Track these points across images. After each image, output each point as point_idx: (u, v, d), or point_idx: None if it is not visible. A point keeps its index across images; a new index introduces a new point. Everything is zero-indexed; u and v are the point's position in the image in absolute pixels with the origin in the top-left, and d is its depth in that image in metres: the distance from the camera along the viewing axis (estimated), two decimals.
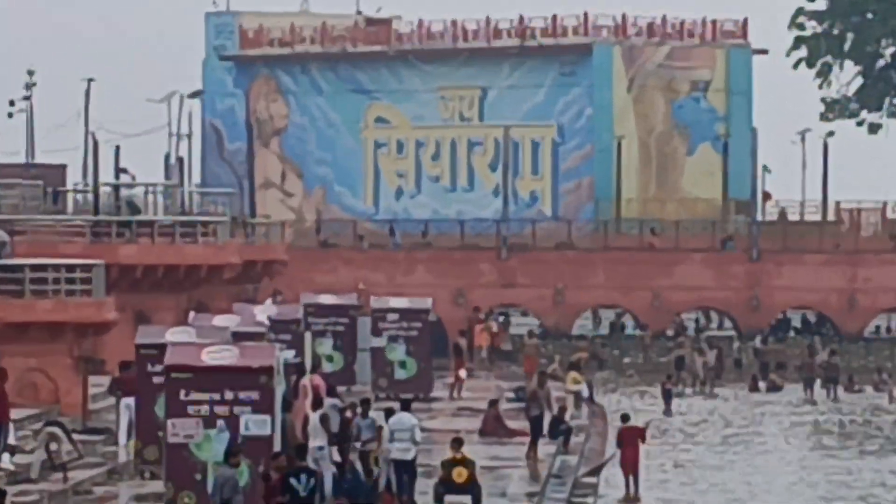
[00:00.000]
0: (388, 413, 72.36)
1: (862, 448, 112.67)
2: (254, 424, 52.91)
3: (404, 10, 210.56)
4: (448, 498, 64.88)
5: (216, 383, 51.67)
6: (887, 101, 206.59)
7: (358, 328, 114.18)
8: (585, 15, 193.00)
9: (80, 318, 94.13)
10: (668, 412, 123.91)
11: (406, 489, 64.97)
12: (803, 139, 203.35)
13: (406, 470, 66.25)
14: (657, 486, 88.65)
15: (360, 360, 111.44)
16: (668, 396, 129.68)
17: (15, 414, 69.56)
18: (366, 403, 72.05)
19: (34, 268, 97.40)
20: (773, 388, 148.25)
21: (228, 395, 51.42)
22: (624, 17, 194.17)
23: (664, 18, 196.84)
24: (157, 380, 61.43)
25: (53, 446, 68.21)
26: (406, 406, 73.49)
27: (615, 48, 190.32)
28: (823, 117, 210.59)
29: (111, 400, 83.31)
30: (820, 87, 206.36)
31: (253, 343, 66.91)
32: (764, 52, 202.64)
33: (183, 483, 50.84)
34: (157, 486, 58.92)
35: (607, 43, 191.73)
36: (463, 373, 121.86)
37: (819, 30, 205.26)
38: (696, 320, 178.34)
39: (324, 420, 66.18)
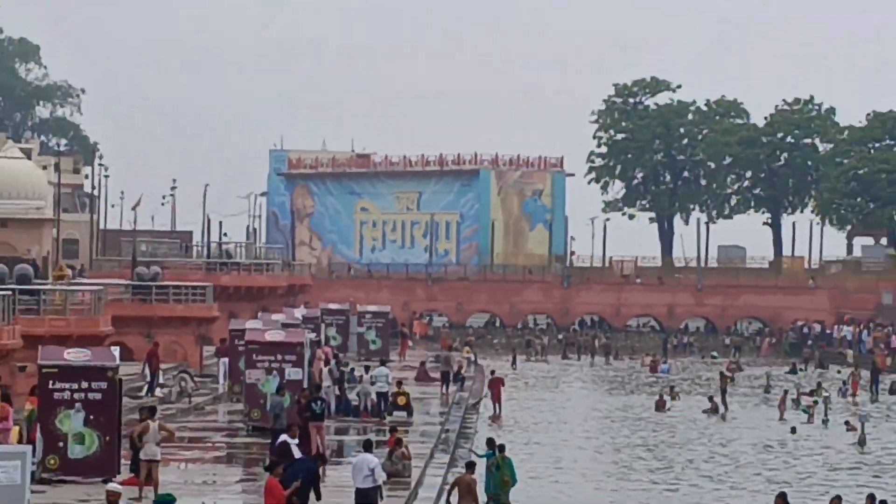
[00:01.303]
0: (370, 367, 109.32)
1: (623, 390, 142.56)
2: (292, 373, 79.13)
3: (378, 147, 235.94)
4: (395, 413, 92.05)
5: (272, 350, 79.54)
6: (638, 203, 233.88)
7: (350, 322, 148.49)
8: (476, 154, 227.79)
9: (199, 314, 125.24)
10: (514, 368, 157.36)
11: (384, 410, 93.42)
12: (592, 222, 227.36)
13: (383, 398, 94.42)
14: (510, 411, 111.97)
15: (350, 340, 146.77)
16: (514, 361, 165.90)
17: (163, 366, 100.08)
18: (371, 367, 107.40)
19: (175, 287, 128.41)
20: (577, 356, 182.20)
21: (279, 357, 78.14)
22: (497, 155, 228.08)
23: (518, 156, 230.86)
24: (240, 349, 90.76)
25: (183, 384, 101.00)
26: (384, 363, 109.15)
27: (491, 172, 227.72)
28: (604, 210, 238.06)
29: (215, 360, 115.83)
30: (602, 193, 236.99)
31: (292, 329, 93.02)
32: (572, 174, 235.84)
33: (253, 405, 78.48)
34: (240, 406, 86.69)
35: (487, 169, 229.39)
36: (407, 346, 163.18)
37: (602, 162, 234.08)
38: (534, 320, 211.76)
39: (331, 372, 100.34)
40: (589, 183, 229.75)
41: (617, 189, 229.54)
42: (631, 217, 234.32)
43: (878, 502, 54.24)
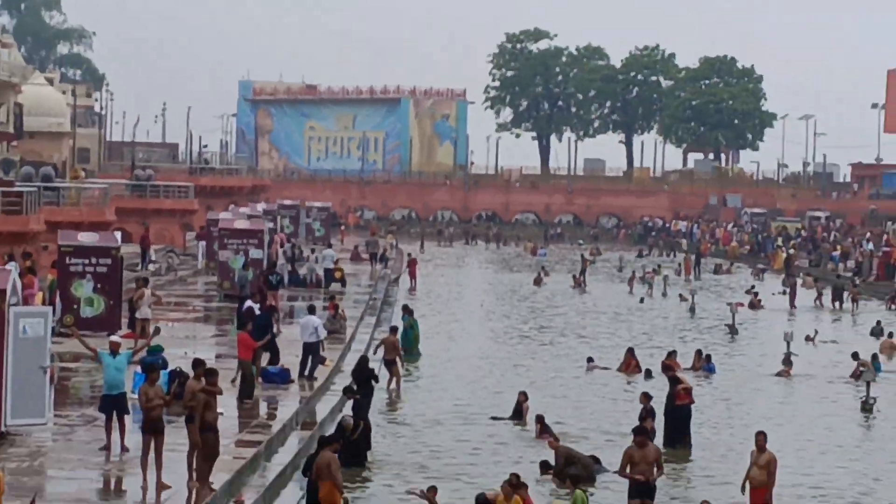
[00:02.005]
0: (315, 250, 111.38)
1: (509, 269, 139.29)
2: (255, 253, 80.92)
3: (324, 79, 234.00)
4: (333, 284, 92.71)
5: (239, 235, 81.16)
6: (523, 125, 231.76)
7: (300, 215, 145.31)
8: (398, 86, 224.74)
9: (182, 207, 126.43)
10: (422, 251, 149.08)
11: (329, 282, 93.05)
12: (488, 140, 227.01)
13: (328, 273, 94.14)
14: (423, 284, 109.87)
15: (300, 229, 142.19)
16: (422, 245, 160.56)
17: (154, 247, 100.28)
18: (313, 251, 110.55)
19: (164, 186, 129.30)
20: (475, 243, 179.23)
21: (245, 240, 79.47)
22: (414, 87, 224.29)
23: (430, 88, 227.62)
24: (215, 234, 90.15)
25: (170, 261, 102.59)
26: (330, 246, 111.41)
27: (410, 100, 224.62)
28: (496, 130, 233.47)
29: (195, 242, 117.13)
30: (495, 117, 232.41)
31: (255, 219, 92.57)
32: (472, 102, 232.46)
33: (224, 277, 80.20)
34: (214, 279, 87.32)
35: (407, 98, 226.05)
36: (344, 234, 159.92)
37: (495, 94, 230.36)
38: (442, 215, 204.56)
39: (284, 253, 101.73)
40: (485, 109, 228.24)
41: (507, 114, 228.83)
42: (517, 136, 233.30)
43: (703, 356, 57.48)
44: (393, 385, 53.24)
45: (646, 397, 41.64)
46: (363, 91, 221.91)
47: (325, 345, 53.01)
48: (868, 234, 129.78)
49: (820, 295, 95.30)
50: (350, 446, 34.85)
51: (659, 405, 41.87)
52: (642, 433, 32.99)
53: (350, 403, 41.69)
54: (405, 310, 68.18)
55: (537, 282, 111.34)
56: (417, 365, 59.22)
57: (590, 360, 59.44)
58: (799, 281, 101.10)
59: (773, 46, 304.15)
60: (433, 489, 32.07)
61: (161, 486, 30.92)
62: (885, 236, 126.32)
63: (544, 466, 36.83)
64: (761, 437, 32.41)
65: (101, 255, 58.26)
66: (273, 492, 34.05)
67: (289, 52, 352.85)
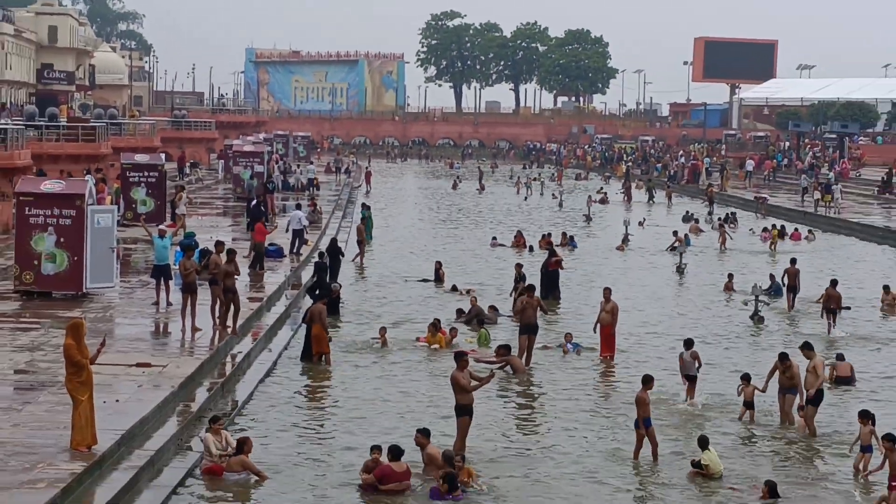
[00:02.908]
0: (300, 165, 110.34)
1: (435, 177, 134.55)
2: (258, 168, 76.61)
3: (305, 45, 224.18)
4: (312, 190, 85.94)
5: (247, 155, 77.58)
6: (444, 78, 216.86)
7: (289, 141, 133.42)
8: (356, 51, 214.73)
9: (207, 136, 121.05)
10: (370, 166, 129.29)
11: (309, 187, 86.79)
12: (418, 88, 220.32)
13: (310, 182, 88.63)
14: (375, 189, 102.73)
15: (289, 151, 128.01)
16: (369, 161, 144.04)
17: (188, 164, 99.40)
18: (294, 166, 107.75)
19: (195, 122, 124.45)
20: (411, 160, 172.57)
21: (251, 159, 75.96)
22: (368, 51, 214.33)
23: (379, 52, 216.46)
24: (230, 155, 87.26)
25: (198, 173, 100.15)
26: (310, 162, 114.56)
27: (365, 61, 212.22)
28: (425, 82, 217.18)
29: (217, 161, 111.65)
30: (424, 73, 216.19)
31: (258, 144, 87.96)
32: (408, 62, 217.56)
33: (237, 185, 75.80)
34: (230, 186, 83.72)
35: (363, 59, 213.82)
36: (319, 154, 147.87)
37: (424, 56, 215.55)
38: (389, 141, 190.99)
39: (279, 167, 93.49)
40: (417, 67, 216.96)
41: (431, 71, 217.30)
42: (439, 86, 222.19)
43: (568, 236, 56.68)
44: (357, 260, 52.32)
45: (518, 267, 41.57)
46: (332, 55, 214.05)
47: (307, 231, 52.92)
48: (681, 152, 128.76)
49: (650, 193, 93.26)
50: (331, 302, 35.82)
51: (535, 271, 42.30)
52: (531, 290, 33.56)
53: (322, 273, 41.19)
54: (363, 206, 65.12)
55: (454, 186, 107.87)
56: (371, 246, 56.73)
57: (494, 238, 58.66)
58: (633, 184, 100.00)
59: (618, 20, 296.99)
60: (383, 329, 34.29)
61: (195, 329, 31.87)
62: (692, 153, 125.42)
63: (458, 313, 37.49)
64: (607, 291, 33.30)
65: (150, 170, 57.26)
66: (272, 332, 35.50)
67: (281, 24, 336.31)
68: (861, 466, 22.30)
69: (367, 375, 30.71)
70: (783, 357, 25.70)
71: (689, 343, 28.02)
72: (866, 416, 22.59)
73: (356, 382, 29.90)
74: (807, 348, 26.29)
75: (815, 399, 25.35)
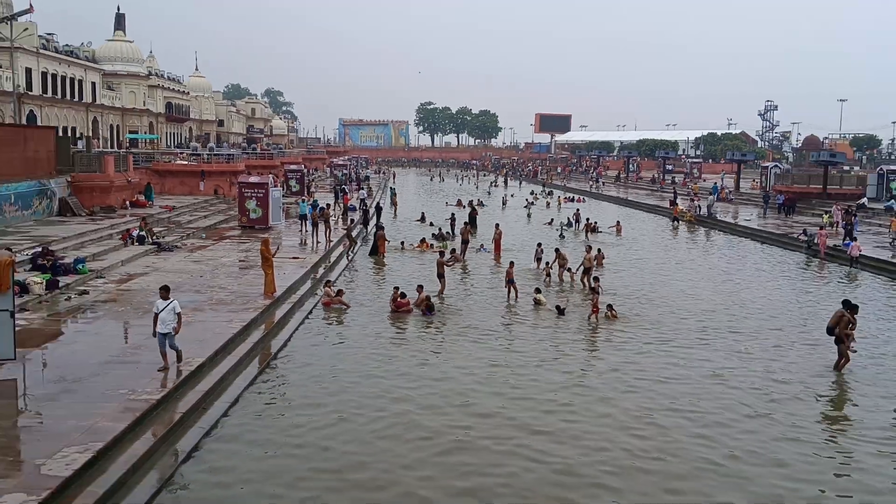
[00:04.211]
0: (363, 171, 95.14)
1: (428, 178, 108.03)
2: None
3: (364, 115, 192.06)
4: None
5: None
6: (426, 131, 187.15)
7: (359, 160, 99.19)
8: (387, 119, 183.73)
9: (321, 157, 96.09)
10: (393, 180, 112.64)
11: (368, 180, 71.97)
12: (416, 136, 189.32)
13: (367, 177, 71.48)
14: (398, 182, 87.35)
15: (358, 165, 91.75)
16: (394, 173, 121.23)
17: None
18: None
19: (317, 150, 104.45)
20: (416, 168, 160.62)
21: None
22: (392, 119, 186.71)
23: (396, 119, 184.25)
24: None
25: (316, 173, 75.57)
26: (367, 168, 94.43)
27: (391, 124, 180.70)
28: (420, 132, 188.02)
29: (327, 169, 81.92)
30: (419, 130, 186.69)
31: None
32: (410, 124, 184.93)
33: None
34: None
35: (391, 124, 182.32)
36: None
37: (418, 121, 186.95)
38: (402, 159, 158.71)
39: (355, 172, 78.48)
40: (414, 125, 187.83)
41: (420, 128, 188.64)
42: (424, 134, 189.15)
43: (479, 200, 53.72)
44: (393, 210, 48.10)
45: (472, 205, 40.99)
46: (376, 121, 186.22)
47: (365, 201, 49.69)
48: (530, 164, 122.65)
49: (518, 182, 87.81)
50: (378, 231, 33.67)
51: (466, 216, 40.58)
52: (467, 224, 33.21)
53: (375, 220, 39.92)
54: (391, 189, 60.19)
55: (431, 179, 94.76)
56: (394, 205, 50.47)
57: (459, 202, 53.95)
58: (508, 178, 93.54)
59: (503, 104, 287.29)
60: (402, 243, 32.12)
61: (317, 243, 31.00)
62: (533, 165, 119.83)
63: (436, 236, 36.06)
64: (497, 225, 32.84)
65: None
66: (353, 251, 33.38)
67: (355, 102, 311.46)
68: None
69: (401, 260, 29.76)
70: (588, 249, 25.30)
71: (539, 244, 27.47)
72: None
73: (394, 263, 29.08)
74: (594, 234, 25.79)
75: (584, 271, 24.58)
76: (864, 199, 44.20)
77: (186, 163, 48.39)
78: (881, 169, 50.05)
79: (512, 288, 22.34)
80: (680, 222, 45.43)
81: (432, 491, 10.10)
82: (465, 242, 31.02)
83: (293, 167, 56.66)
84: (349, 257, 29.27)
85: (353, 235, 31.60)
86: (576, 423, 12.54)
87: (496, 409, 13.00)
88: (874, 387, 14.75)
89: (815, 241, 32.29)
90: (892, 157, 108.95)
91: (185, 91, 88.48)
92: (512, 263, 23.56)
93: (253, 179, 36.20)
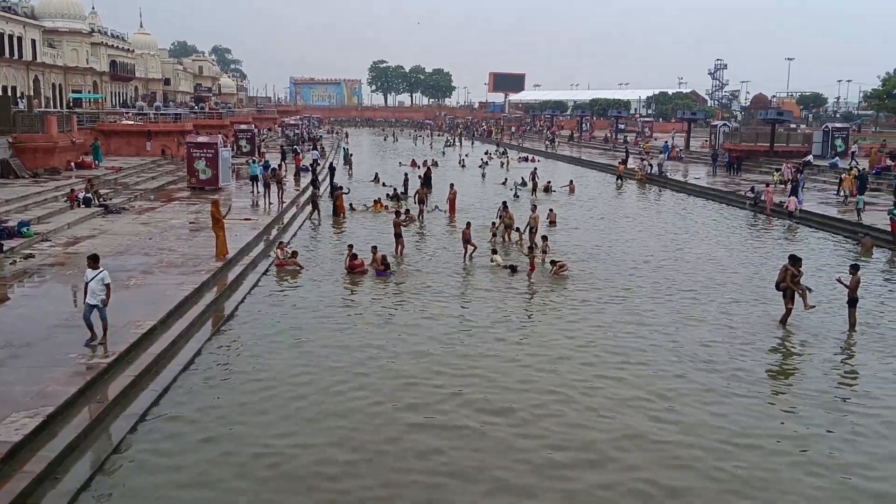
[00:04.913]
0: (315, 131, 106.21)
1: (382, 138, 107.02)
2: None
3: (315, 74, 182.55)
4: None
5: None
6: (379, 90, 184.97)
7: (311, 120, 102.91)
8: (339, 78, 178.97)
9: (272, 117, 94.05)
10: (346, 139, 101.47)
11: (320, 140, 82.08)
12: (368, 95, 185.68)
13: (319, 137, 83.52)
14: (351, 142, 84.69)
15: (310, 124, 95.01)
16: (347, 132, 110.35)
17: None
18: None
19: (268, 110, 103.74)
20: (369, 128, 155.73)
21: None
22: (345, 78, 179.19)
23: (349, 78, 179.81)
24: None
25: (268, 133, 75.56)
26: (320, 128, 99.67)
27: (344, 83, 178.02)
28: (372, 91, 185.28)
29: (278, 129, 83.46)
30: (371, 88, 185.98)
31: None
32: (363, 82, 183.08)
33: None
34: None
35: (343, 82, 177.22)
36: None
37: (370, 80, 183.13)
38: (355, 119, 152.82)
39: (307, 132, 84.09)
40: (367, 84, 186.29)
41: (373, 87, 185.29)
42: (377, 94, 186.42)
43: (434, 161, 53.03)
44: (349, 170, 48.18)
45: (426, 166, 41.02)
46: (328, 79, 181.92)
47: (318, 161, 48.46)
48: (484, 124, 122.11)
49: (471, 141, 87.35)
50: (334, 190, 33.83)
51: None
52: (423, 185, 33.20)
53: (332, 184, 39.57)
54: (345, 149, 59.77)
55: (385, 139, 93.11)
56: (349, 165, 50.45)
57: (413, 162, 54.02)
58: (463, 137, 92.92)
59: (457, 62, 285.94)
60: (349, 204, 31.84)
61: (269, 204, 30.74)
62: (487, 124, 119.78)
63: (390, 196, 35.67)
64: (451, 185, 32.93)
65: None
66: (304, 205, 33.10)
67: (306, 61, 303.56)
68: None
69: (358, 221, 29.62)
70: (533, 209, 25.30)
71: (504, 204, 27.34)
72: None
73: (350, 224, 28.99)
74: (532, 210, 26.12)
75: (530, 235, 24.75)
76: (810, 157, 45.07)
77: (133, 123, 47.55)
78: (826, 127, 51.34)
79: (468, 247, 22.42)
80: (623, 181, 45.75)
81: (393, 458, 9.81)
82: (421, 203, 30.98)
83: (243, 127, 55.77)
84: (315, 224, 28.85)
85: (316, 200, 31.29)
86: (535, 383, 12.43)
87: (452, 370, 12.92)
88: (817, 338, 15.08)
89: (762, 198, 32.90)
90: (837, 116, 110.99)
91: (130, 49, 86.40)
92: (469, 224, 23.60)
93: (202, 139, 35.62)
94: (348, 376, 12.49)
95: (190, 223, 25.16)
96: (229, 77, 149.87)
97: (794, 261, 15.96)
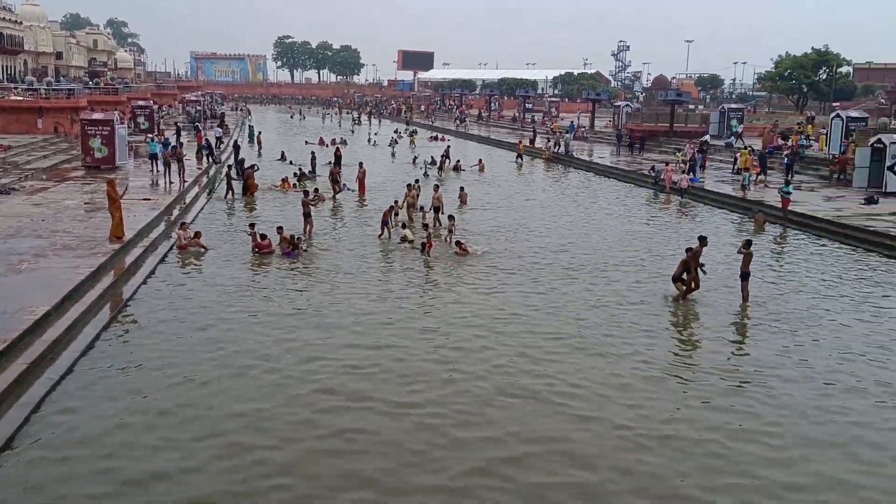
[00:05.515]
0: (218, 108, 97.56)
1: (288, 115, 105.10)
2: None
3: (218, 49, 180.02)
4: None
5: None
6: (284, 66, 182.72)
7: (213, 96, 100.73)
8: (243, 53, 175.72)
9: (172, 93, 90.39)
10: (249, 116, 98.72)
11: (223, 117, 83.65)
12: (274, 71, 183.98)
13: (223, 114, 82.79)
14: (255, 119, 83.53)
15: (213, 101, 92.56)
16: (250, 109, 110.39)
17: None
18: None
19: (168, 86, 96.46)
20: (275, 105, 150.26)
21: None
22: (249, 53, 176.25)
23: (252, 53, 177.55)
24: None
25: (168, 111, 73.48)
26: (223, 104, 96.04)
27: (248, 58, 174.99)
28: (278, 68, 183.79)
29: (179, 105, 79.80)
30: (276, 64, 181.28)
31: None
32: (267, 58, 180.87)
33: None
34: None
35: (247, 58, 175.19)
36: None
37: (276, 56, 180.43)
38: (260, 96, 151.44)
39: (209, 108, 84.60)
40: (273, 61, 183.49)
41: (279, 63, 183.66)
42: (282, 70, 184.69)
43: (341, 139, 53.48)
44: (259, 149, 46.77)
45: (335, 145, 40.25)
46: (232, 54, 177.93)
47: (221, 139, 48.41)
48: (394, 102, 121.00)
49: (379, 120, 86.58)
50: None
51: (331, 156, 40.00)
52: (337, 161, 32.52)
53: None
54: (250, 126, 58.58)
55: (292, 117, 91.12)
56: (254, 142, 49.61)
57: (321, 140, 53.79)
58: (372, 115, 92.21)
59: (368, 39, 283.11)
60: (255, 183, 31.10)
61: (170, 183, 30.10)
62: (396, 103, 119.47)
63: (297, 175, 35.15)
64: (360, 163, 32.67)
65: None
66: (210, 184, 32.59)
67: (207, 35, 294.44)
68: None
69: (267, 198, 29.38)
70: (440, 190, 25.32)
71: (410, 185, 26.83)
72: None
73: (257, 203, 28.56)
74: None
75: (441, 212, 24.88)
76: (707, 137, 46.65)
77: (22, 98, 45.71)
78: (722, 107, 53.22)
79: (386, 229, 22.38)
80: (523, 160, 46.16)
81: (309, 440, 9.68)
82: (335, 182, 30.57)
83: (141, 103, 53.63)
84: (228, 203, 28.34)
85: (230, 179, 30.61)
86: (438, 362, 12.38)
87: (359, 349, 12.83)
88: (712, 310, 15.55)
89: (662, 176, 34.02)
90: (733, 97, 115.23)
91: (18, 20, 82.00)
92: (392, 207, 23.52)
93: (97, 116, 34.52)
94: (255, 359, 12.21)
95: (85, 204, 24.31)
96: (126, 51, 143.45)
97: (702, 241, 16.51)
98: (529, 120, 77.08)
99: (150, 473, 8.81)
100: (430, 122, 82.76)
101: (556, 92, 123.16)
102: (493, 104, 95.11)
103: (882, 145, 30.01)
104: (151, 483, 8.62)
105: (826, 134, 39.12)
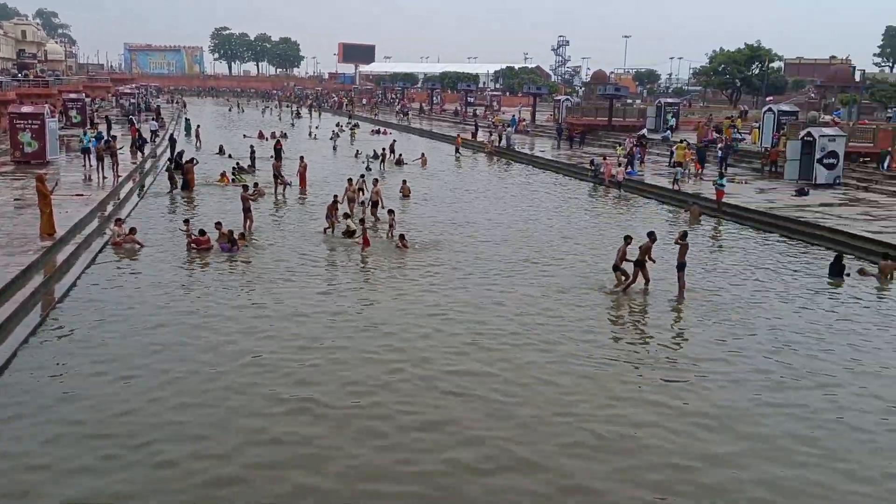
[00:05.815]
0: (153, 101, 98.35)
1: (225, 108, 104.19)
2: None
3: (153, 40, 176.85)
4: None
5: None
6: (222, 58, 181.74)
7: (148, 89, 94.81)
8: (180, 45, 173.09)
9: (105, 86, 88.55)
10: (185, 109, 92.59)
11: (158, 110, 78.27)
12: (211, 63, 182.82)
13: (158, 107, 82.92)
14: (191, 112, 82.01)
15: (147, 94, 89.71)
16: (185, 102, 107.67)
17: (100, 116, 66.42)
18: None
19: (101, 78, 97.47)
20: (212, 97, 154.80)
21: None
22: (185, 45, 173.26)
23: (191, 45, 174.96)
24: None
25: (101, 103, 70.73)
26: (158, 98, 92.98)
27: (184, 50, 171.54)
28: (216, 60, 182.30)
29: (113, 98, 76.57)
30: (213, 56, 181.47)
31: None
32: (204, 50, 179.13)
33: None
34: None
35: (183, 50, 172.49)
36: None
37: (213, 48, 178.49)
38: (198, 89, 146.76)
39: (144, 101, 75.66)
40: (209, 53, 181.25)
41: (216, 55, 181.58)
42: (219, 62, 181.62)
43: (283, 132, 52.50)
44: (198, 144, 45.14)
45: (275, 138, 39.47)
46: (167, 46, 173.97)
47: (157, 133, 47.14)
48: (334, 96, 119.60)
49: (319, 113, 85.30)
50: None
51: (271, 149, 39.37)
52: (275, 157, 32.24)
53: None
54: (186, 119, 57.56)
55: (230, 110, 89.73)
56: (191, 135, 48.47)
57: (260, 133, 53.02)
58: (314, 109, 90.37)
59: (306, 30, 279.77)
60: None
61: (103, 178, 29.19)
62: (337, 96, 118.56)
63: (235, 169, 34.57)
64: (301, 157, 32.22)
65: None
66: (143, 178, 31.77)
67: (141, 27, 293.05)
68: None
69: (209, 192, 28.92)
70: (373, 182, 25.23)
71: (351, 179, 26.66)
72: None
73: (201, 197, 28.13)
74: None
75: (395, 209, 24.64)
76: (644, 130, 47.22)
77: None
78: (659, 102, 54.06)
79: (330, 222, 22.21)
80: (461, 153, 46.04)
81: (255, 444, 9.51)
82: (277, 177, 30.12)
83: (73, 96, 52.27)
84: (169, 196, 28.00)
85: (172, 174, 29.99)
86: (378, 357, 12.40)
87: (303, 351, 12.61)
88: (649, 300, 15.87)
89: (601, 170, 34.48)
90: (670, 91, 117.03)
91: None
92: (335, 201, 23.03)
93: (26, 109, 33.50)
94: (196, 365, 11.84)
95: (14, 200, 23.55)
96: (57, 43, 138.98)
97: (651, 236, 16.81)
98: (471, 114, 76.89)
99: (76, 497, 8.27)
100: (374, 116, 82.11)
101: (497, 86, 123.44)
102: (435, 98, 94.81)
103: (812, 139, 30.79)
104: None
105: (759, 127, 40.05)
